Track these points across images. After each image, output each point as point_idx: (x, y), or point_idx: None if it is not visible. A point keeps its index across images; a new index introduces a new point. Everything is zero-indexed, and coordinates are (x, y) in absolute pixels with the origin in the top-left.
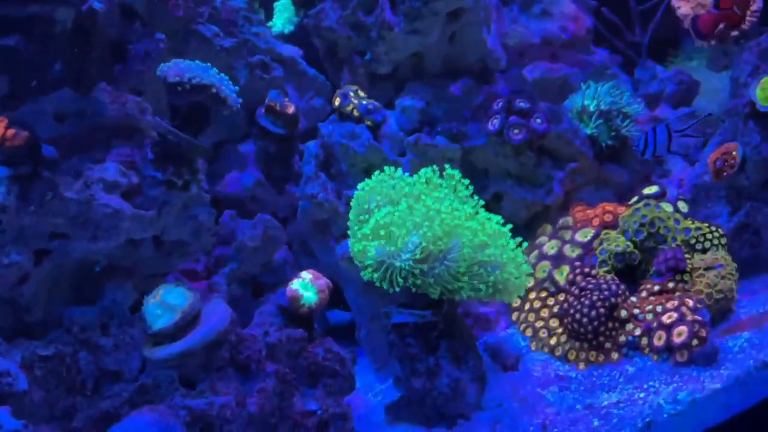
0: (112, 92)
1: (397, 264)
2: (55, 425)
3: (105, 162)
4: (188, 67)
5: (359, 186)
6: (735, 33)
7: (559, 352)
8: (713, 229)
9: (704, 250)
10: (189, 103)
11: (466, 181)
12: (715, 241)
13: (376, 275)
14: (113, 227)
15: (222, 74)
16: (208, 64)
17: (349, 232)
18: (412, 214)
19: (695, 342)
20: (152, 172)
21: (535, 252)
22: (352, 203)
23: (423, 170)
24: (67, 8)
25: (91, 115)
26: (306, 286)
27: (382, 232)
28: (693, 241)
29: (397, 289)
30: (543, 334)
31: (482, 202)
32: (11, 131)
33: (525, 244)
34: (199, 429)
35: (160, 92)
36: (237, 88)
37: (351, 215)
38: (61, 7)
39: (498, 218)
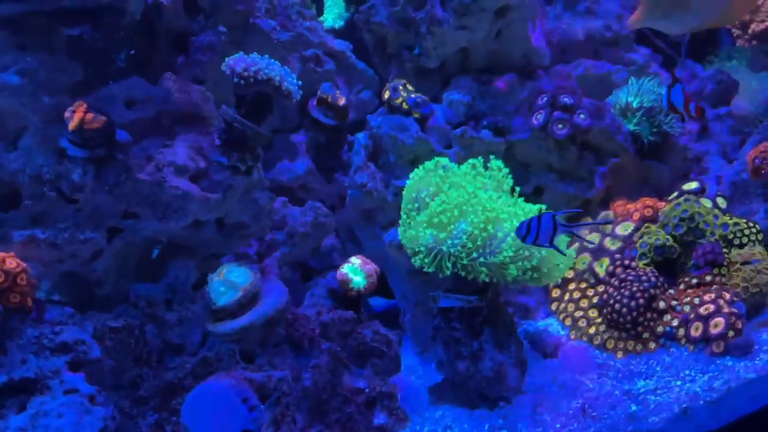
0: (177, 81)
1: (445, 249)
2: (123, 393)
3: (174, 146)
4: (254, 60)
5: (410, 176)
6: None
7: (597, 341)
8: (750, 225)
9: (741, 245)
10: (253, 93)
11: (506, 170)
12: (752, 237)
13: (426, 261)
14: (182, 208)
15: (285, 67)
16: (274, 60)
17: (400, 221)
18: (459, 203)
19: (731, 333)
20: (218, 157)
21: (576, 244)
22: (403, 193)
23: (469, 161)
24: (138, 1)
25: (157, 102)
26: (355, 271)
27: (434, 220)
28: (731, 236)
29: (447, 273)
30: (582, 323)
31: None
32: (90, 115)
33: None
34: (258, 400)
35: (222, 82)
36: (300, 82)
37: (402, 204)
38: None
39: (541, 207)
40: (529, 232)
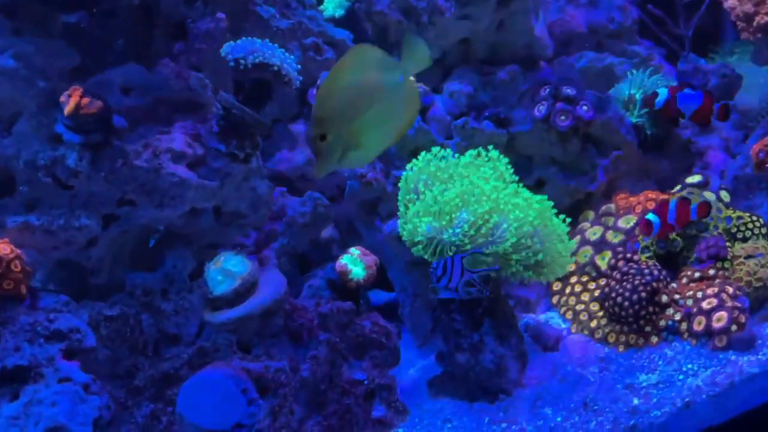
0: (175, 68)
1: (447, 239)
2: (118, 383)
3: (172, 133)
4: (253, 44)
5: (407, 166)
6: None
7: (599, 334)
8: (754, 218)
9: (745, 239)
10: (252, 80)
11: (505, 160)
12: (756, 231)
13: (426, 252)
14: (179, 196)
15: (285, 53)
16: (275, 45)
17: (399, 212)
18: (461, 192)
19: (734, 327)
20: (216, 144)
21: (578, 237)
22: (400, 184)
23: (469, 151)
24: None
25: (155, 88)
26: (355, 262)
27: (433, 210)
28: (734, 230)
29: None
30: (583, 317)
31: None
32: (86, 99)
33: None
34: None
35: (220, 69)
36: (299, 66)
37: (399, 195)
38: None
39: (542, 197)
40: (445, 272)
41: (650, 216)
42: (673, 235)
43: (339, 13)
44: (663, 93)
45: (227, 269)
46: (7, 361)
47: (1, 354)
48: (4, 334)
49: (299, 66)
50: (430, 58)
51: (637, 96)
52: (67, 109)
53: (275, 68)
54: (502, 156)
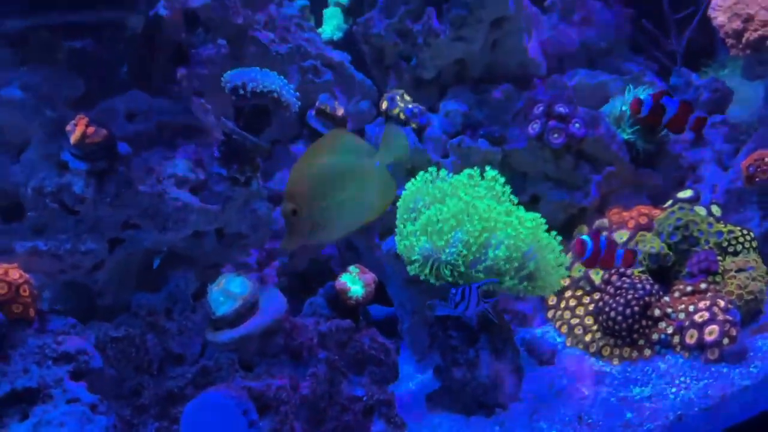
0: (177, 93)
1: (443, 258)
2: (124, 402)
3: (175, 158)
4: (253, 73)
5: (406, 186)
6: None
7: (593, 348)
8: (745, 232)
9: (736, 253)
10: (252, 106)
11: (502, 179)
12: (747, 245)
13: (422, 270)
14: (182, 220)
15: (284, 79)
16: (274, 72)
17: (396, 230)
18: (455, 212)
19: (726, 341)
20: (218, 169)
21: (572, 253)
22: (398, 203)
23: (466, 171)
24: (139, 15)
25: (157, 114)
26: (353, 280)
27: (429, 229)
28: (725, 244)
29: (445, 282)
30: (578, 330)
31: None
32: (91, 129)
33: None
34: (257, 408)
35: (221, 94)
36: (298, 93)
37: (398, 214)
38: (134, 14)
39: (535, 215)
40: (464, 298)
41: (586, 238)
42: (664, 250)
43: (337, 35)
44: (647, 100)
45: (229, 290)
46: (17, 382)
47: (10, 376)
48: (13, 356)
49: (297, 93)
50: (407, 147)
51: (628, 113)
52: (73, 138)
53: (274, 95)
54: (498, 175)
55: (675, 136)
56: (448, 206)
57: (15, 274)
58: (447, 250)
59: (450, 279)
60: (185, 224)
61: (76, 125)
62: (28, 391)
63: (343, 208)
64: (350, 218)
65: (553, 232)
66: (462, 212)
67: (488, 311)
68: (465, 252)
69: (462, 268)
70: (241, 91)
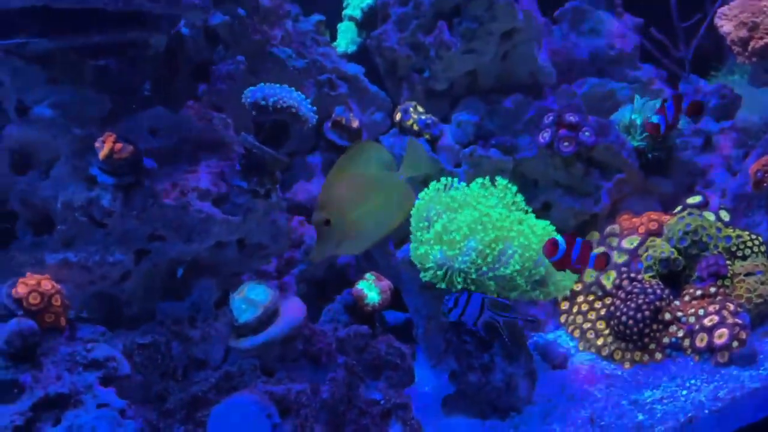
0: (199, 109)
1: (457, 266)
2: (150, 406)
3: (198, 173)
4: (272, 89)
5: (420, 195)
6: None
7: (605, 352)
8: (753, 237)
9: (744, 257)
10: (272, 121)
11: (514, 188)
12: (755, 249)
13: (436, 278)
14: (205, 231)
15: (302, 94)
16: (292, 88)
17: (411, 237)
18: (469, 221)
19: (735, 344)
20: (239, 182)
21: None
22: (412, 212)
23: (478, 180)
24: (162, 34)
25: (179, 129)
26: (370, 287)
27: (444, 237)
28: (734, 248)
29: (458, 287)
30: (590, 335)
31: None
32: (119, 145)
33: None
34: (279, 411)
35: (241, 109)
36: (315, 108)
37: (412, 222)
38: (157, 34)
39: (545, 223)
40: (456, 305)
41: (559, 238)
42: (674, 255)
43: (351, 48)
44: (659, 119)
45: (250, 298)
46: (50, 389)
47: (43, 382)
48: (45, 363)
49: (315, 108)
50: (429, 163)
51: (638, 121)
52: (102, 154)
53: (293, 110)
54: (510, 184)
55: (683, 141)
56: (462, 215)
57: (47, 284)
58: (460, 259)
59: (462, 286)
60: (208, 235)
61: (104, 141)
62: (60, 396)
63: (370, 219)
64: (376, 229)
65: None
66: (476, 221)
67: (498, 323)
68: (480, 261)
69: (474, 275)
70: (263, 104)
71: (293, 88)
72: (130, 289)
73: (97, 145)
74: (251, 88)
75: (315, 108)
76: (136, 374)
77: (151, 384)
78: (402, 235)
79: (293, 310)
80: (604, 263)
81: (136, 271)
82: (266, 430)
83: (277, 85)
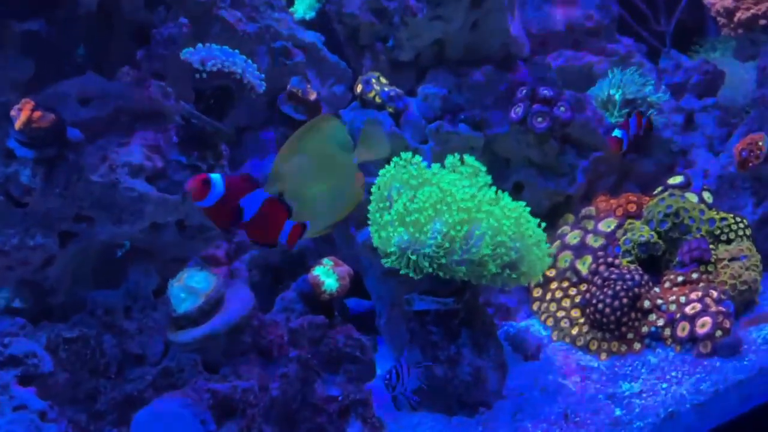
0: (136, 76)
1: (422, 250)
2: (79, 407)
3: (130, 145)
4: (213, 52)
5: (380, 173)
6: (763, 22)
7: (580, 342)
8: (738, 220)
9: (729, 241)
10: (213, 87)
11: (484, 168)
12: (740, 232)
13: (399, 262)
14: (138, 211)
15: (248, 60)
16: (236, 50)
17: (369, 219)
18: (433, 201)
19: (719, 333)
20: (177, 156)
21: (557, 242)
22: (372, 190)
23: (447, 157)
24: None
25: (114, 98)
26: (327, 273)
27: (407, 219)
28: (717, 231)
29: (426, 272)
30: (564, 324)
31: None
32: (38, 113)
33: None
34: (222, 412)
35: (183, 77)
36: (262, 75)
37: (371, 203)
38: None
39: (519, 204)
40: (398, 379)
41: (216, 176)
42: (654, 239)
43: (309, 15)
44: (621, 134)
45: (191, 286)
46: None
47: None
48: None
49: (263, 74)
50: (387, 148)
51: (617, 96)
52: (18, 123)
53: (237, 75)
54: (474, 161)
55: (663, 120)
56: (423, 193)
57: None
58: (426, 242)
59: (430, 270)
60: (141, 216)
61: (20, 109)
62: None
63: (323, 201)
64: (329, 213)
65: (537, 220)
66: (440, 201)
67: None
68: (447, 244)
69: (443, 260)
70: (200, 68)
71: (237, 51)
72: (55, 275)
73: (13, 113)
74: (188, 49)
75: (263, 75)
76: (61, 371)
77: (79, 382)
78: (363, 216)
79: (240, 298)
80: (298, 235)
81: (62, 255)
82: None
83: (218, 47)
